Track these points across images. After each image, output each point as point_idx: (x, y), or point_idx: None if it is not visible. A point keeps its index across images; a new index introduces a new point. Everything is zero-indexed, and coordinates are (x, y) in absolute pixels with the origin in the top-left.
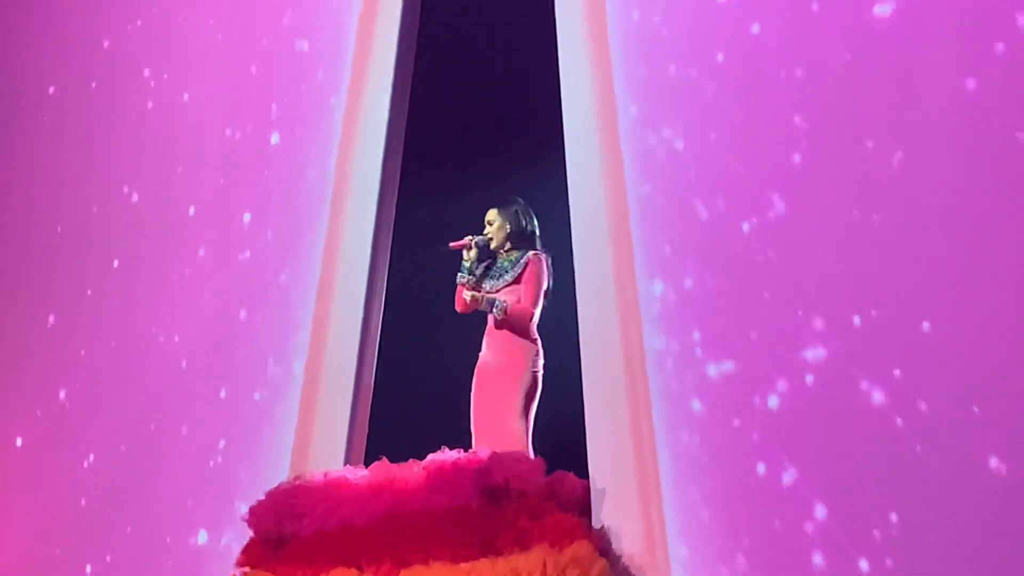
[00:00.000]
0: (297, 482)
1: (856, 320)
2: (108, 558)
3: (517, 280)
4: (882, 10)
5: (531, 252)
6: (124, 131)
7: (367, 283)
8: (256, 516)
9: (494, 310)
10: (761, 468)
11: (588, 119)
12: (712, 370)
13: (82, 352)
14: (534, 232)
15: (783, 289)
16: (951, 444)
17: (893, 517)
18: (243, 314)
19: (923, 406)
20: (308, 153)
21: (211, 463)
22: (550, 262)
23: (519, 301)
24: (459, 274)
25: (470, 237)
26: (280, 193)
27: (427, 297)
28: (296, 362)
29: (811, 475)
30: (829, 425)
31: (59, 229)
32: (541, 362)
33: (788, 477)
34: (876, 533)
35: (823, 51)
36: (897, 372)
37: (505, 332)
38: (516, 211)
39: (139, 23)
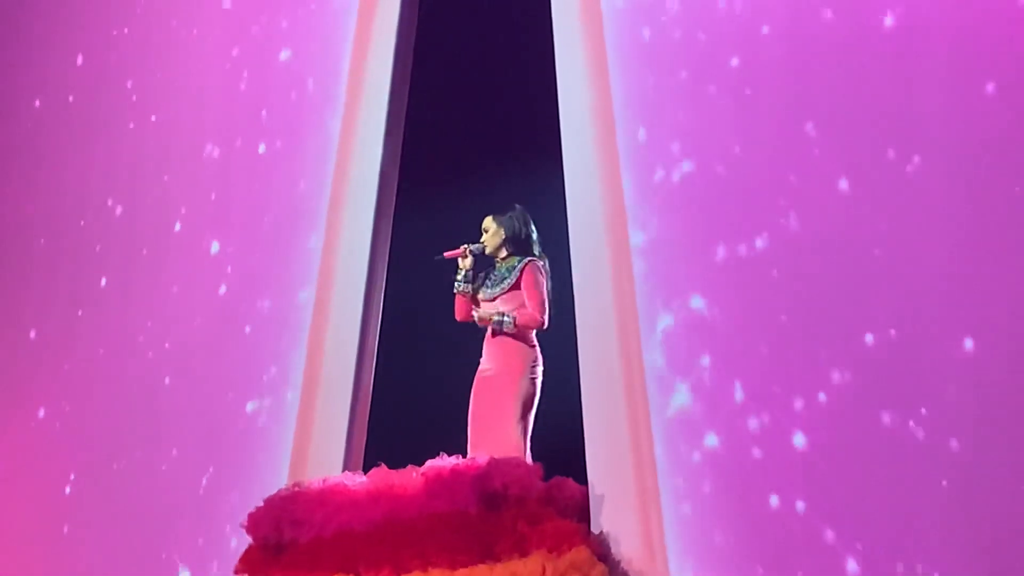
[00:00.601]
0: (296, 488)
1: (868, 339)
2: None
3: (515, 286)
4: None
5: (527, 258)
6: (113, 144)
7: (365, 290)
8: (254, 522)
9: (503, 327)
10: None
11: (586, 128)
12: (710, 375)
13: (65, 367)
14: (530, 238)
15: (781, 298)
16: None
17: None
18: (240, 320)
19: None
20: (305, 161)
21: (209, 468)
22: (547, 266)
23: (521, 306)
24: (456, 283)
25: (465, 245)
26: (276, 202)
27: (425, 304)
28: (294, 369)
29: (807, 478)
30: (829, 426)
31: (42, 241)
32: (540, 368)
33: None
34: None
35: (829, 61)
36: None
37: (503, 339)
38: (511, 217)
39: (126, 30)
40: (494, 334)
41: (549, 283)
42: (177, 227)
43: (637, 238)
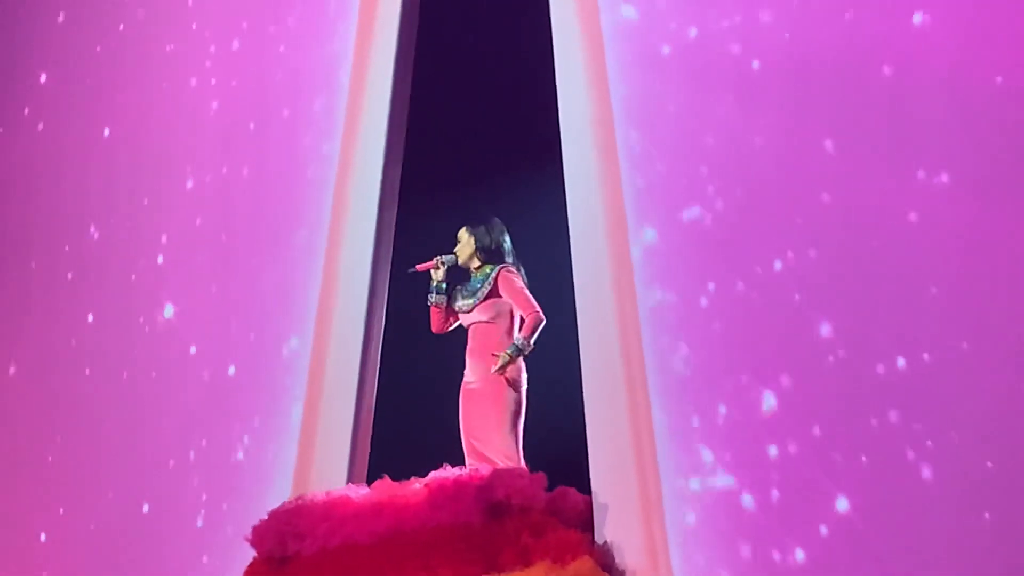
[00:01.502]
0: (299, 501)
1: (901, 362)
2: None
3: (490, 295)
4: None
5: (499, 266)
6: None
7: (368, 300)
8: (259, 536)
9: (524, 352)
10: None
11: (586, 133)
12: (714, 384)
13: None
14: (501, 247)
15: (789, 298)
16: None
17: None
18: (243, 332)
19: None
20: (306, 171)
21: (213, 482)
22: (523, 273)
23: (494, 317)
24: (429, 295)
25: (437, 257)
26: (278, 212)
27: (428, 315)
28: (297, 381)
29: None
30: (832, 426)
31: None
32: (525, 376)
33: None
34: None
35: (833, 63)
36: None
37: (483, 351)
38: (483, 228)
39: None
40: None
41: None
42: (163, 239)
43: (638, 244)
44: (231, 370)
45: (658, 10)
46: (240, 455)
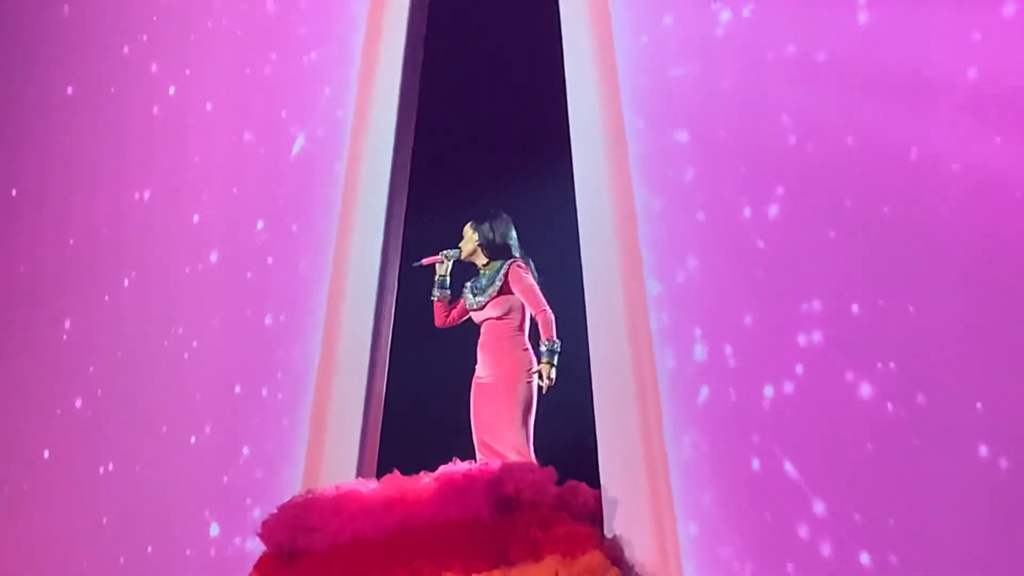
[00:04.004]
0: (309, 496)
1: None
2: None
3: (501, 291)
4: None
5: (508, 261)
6: (130, 137)
7: (377, 295)
8: (269, 530)
9: (556, 353)
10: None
11: (595, 131)
12: (724, 378)
13: (91, 368)
14: (506, 243)
15: (796, 297)
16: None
17: (896, 514)
18: (254, 328)
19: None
20: (316, 169)
21: (224, 477)
22: (532, 265)
23: (507, 313)
24: (433, 290)
25: (442, 253)
26: (289, 209)
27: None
28: (307, 375)
29: (818, 476)
30: (835, 425)
31: (71, 241)
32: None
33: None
34: (880, 527)
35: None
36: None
37: (497, 346)
38: (487, 224)
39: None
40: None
41: (535, 279)
42: (198, 220)
43: (647, 239)
44: (241, 364)
45: (665, 9)
46: (248, 449)
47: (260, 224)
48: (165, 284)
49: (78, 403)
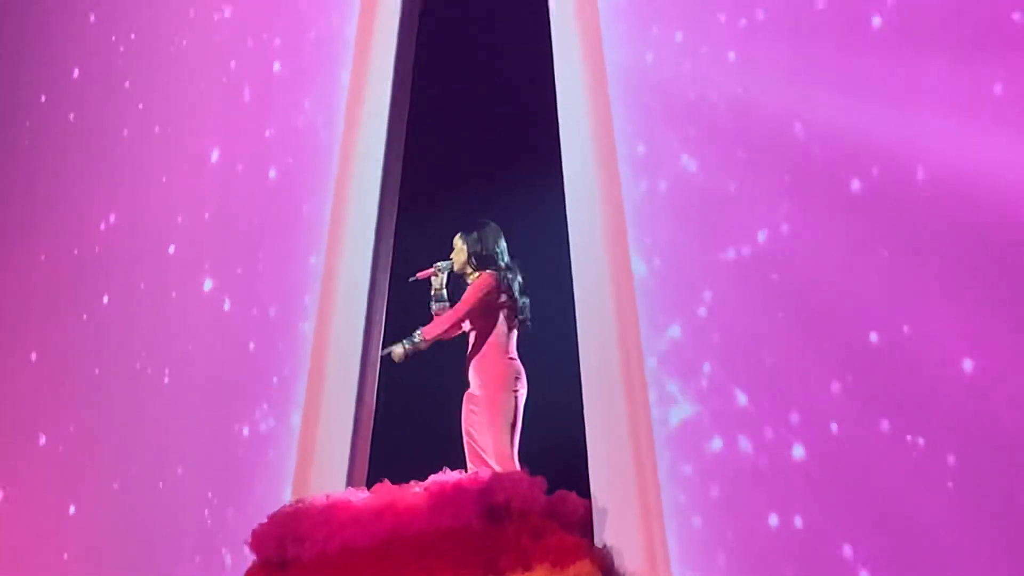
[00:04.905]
0: (299, 505)
1: (871, 337)
2: None
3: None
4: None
5: (480, 272)
6: (110, 154)
7: (367, 305)
8: (258, 539)
9: (415, 345)
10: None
11: (585, 140)
12: (713, 386)
13: (67, 388)
14: (492, 254)
15: (784, 307)
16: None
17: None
18: (244, 337)
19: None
20: (305, 180)
21: (213, 486)
22: (510, 279)
23: (488, 323)
24: (431, 303)
25: (435, 265)
26: (277, 221)
27: (427, 319)
28: (298, 384)
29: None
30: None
31: (42, 257)
32: (523, 381)
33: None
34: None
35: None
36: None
37: (480, 357)
38: (476, 235)
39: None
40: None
41: (514, 297)
42: (171, 250)
43: (638, 249)
44: (231, 373)
45: (657, 17)
46: (240, 457)
47: (249, 238)
48: (153, 292)
49: (42, 440)
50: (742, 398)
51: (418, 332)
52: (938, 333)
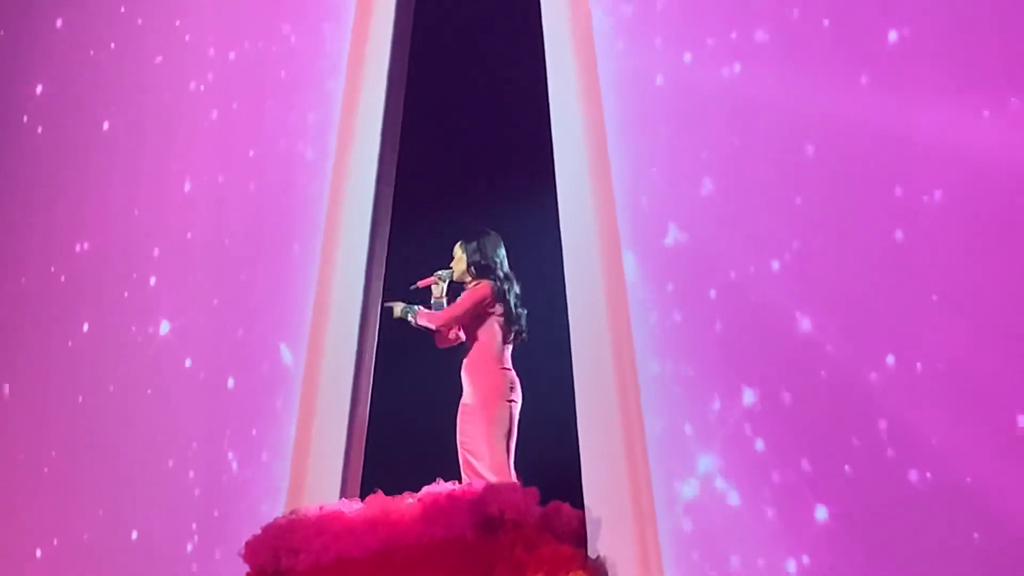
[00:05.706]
0: (293, 516)
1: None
2: None
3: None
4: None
5: (476, 282)
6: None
7: (361, 314)
8: (252, 551)
9: (408, 317)
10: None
11: (578, 148)
12: (707, 397)
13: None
14: (490, 263)
15: (781, 308)
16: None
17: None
18: (237, 346)
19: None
20: (299, 185)
21: (207, 497)
22: (505, 289)
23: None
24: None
25: (436, 274)
26: (271, 226)
27: (421, 329)
28: (291, 396)
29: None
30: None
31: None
32: (517, 390)
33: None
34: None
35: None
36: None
37: (474, 366)
38: (475, 244)
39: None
40: (467, 358)
41: (511, 307)
42: (156, 253)
43: (630, 258)
44: (225, 384)
45: (649, 26)
46: (233, 470)
47: (242, 244)
48: (146, 306)
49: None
50: (736, 407)
51: (417, 307)
52: None
